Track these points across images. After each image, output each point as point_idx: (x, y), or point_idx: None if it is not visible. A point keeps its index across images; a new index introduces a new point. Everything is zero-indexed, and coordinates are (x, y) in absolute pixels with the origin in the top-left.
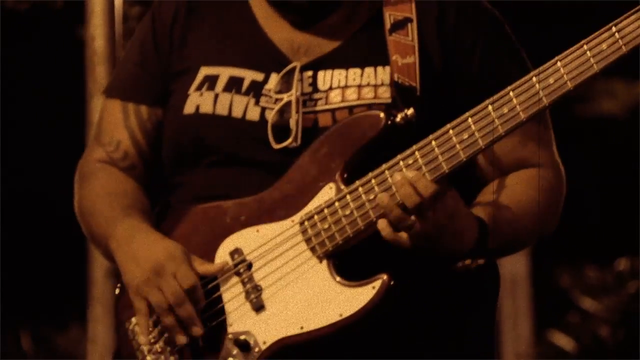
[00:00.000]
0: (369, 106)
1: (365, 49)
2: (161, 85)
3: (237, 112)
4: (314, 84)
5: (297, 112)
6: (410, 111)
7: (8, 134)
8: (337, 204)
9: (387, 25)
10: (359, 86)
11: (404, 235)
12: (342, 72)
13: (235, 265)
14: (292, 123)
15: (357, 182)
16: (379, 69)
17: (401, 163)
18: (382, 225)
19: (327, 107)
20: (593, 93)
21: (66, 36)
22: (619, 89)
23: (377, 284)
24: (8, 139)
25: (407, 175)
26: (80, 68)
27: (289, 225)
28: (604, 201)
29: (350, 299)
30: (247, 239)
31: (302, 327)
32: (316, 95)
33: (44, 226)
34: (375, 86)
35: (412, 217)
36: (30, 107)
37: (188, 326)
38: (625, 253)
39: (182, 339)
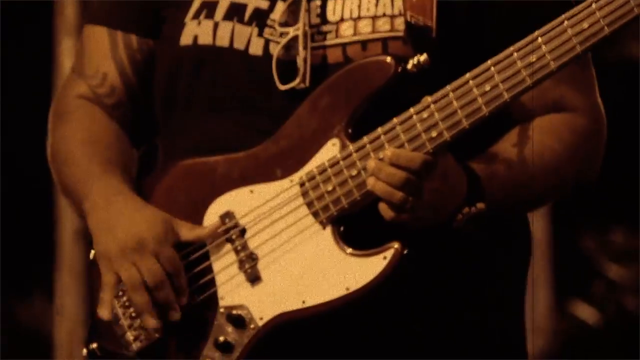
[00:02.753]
0: (384, 41)
1: None
2: (151, 12)
3: (239, 44)
4: (322, 14)
5: (305, 48)
6: (423, 57)
7: None
8: (342, 162)
9: None
10: (374, 17)
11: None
12: (355, 1)
13: (227, 231)
14: (300, 61)
15: (365, 138)
16: None
17: (414, 117)
18: (383, 208)
19: (337, 41)
20: (619, 35)
21: None
22: None
23: (389, 253)
24: None
25: (386, 154)
26: (48, 7)
27: (287, 186)
28: (634, 157)
29: (358, 271)
30: (240, 201)
31: (304, 302)
32: (325, 28)
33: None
34: (392, 17)
35: (410, 198)
36: None
37: (165, 311)
38: None
39: (151, 323)
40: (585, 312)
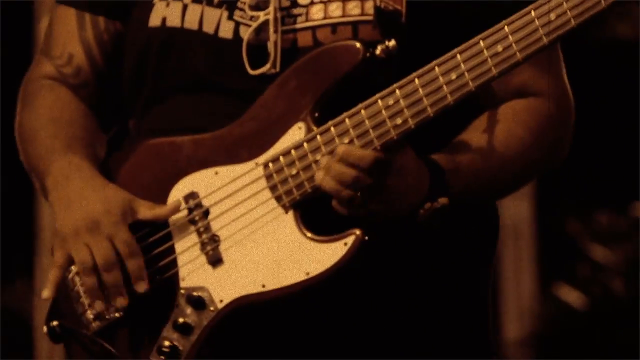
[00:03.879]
0: (355, 24)
1: None
2: None
3: (208, 27)
4: None
5: (276, 32)
6: (392, 43)
7: None
8: (306, 146)
9: None
10: (344, 0)
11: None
12: None
13: (190, 211)
14: (270, 45)
15: (330, 123)
16: None
17: (380, 103)
18: (334, 203)
19: (307, 24)
20: (606, 16)
21: None
22: (634, 11)
23: (350, 239)
24: None
25: (337, 151)
26: None
27: (251, 168)
28: (617, 137)
29: (318, 256)
30: (204, 182)
31: (263, 285)
32: (295, 11)
33: None
34: (363, 0)
35: (359, 195)
36: None
37: (112, 294)
38: None
39: (99, 305)
40: (571, 295)
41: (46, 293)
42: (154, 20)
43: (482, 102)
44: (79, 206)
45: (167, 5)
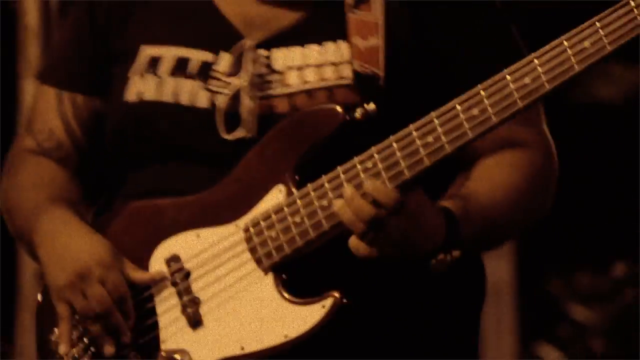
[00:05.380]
0: (330, 89)
1: (326, 23)
2: (98, 71)
3: (184, 99)
4: (268, 65)
5: (251, 99)
6: (371, 106)
7: None
8: (286, 209)
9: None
10: (319, 65)
11: (372, 249)
12: (299, 49)
13: (172, 274)
14: (244, 111)
15: (310, 186)
16: (341, 43)
17: (358, 166)
18: (354, 243)
19: (284, 90)
20: (590, 77)
21: None
22: (616, 74)
23: (328, 302)
24: None
25: (366, 185)
26: (10, 46)
27: (232, 231)
28: (599, 198)
29: (297, 319)
30: (186, 245)
31: (242, 348)
32: (271, 77)
33: None
34: (337, 64)
35: (373, 232)
36: None
37: (116, 336)
38: (622, 257)
39: (109, 349)
40: (552, 355)
41: (63, 348)
42: (130, 95)
43: (469, 152)
44: (69, 257)
45: (142, 79)
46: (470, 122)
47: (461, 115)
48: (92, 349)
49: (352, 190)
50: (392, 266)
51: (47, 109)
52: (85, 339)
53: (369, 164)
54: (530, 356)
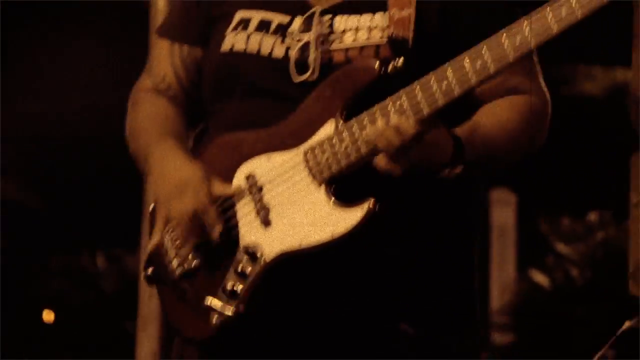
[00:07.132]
0: (377, 46)
1: None
2: (201, 28)
3: (265, 50)
4: (331, 26)
5: (316, 49)
6: (399, 61)
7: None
8: (335, 138)
9: None
10: (369, 28)
11: (397, 167)
12: (356, 16)
13: (249, 187)
14: (311, 59)
15: (353, 120)
16: (384, 14)
17: (390, 105)
18: (382, 162)
19: (341, 46)
20: (575, 76)
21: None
22: (597, 74)
23: (365, 207)
24: None
25: (393, 119)
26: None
27: (294, 154)
28: (581, 165)
29: (341, 219)
30: (260, 165)
31: (300, 244)
32: (332, 37)
33: None
34: (380, 29)
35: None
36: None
37: (211, 227)
38: (595, 207)
39: (184, 252)
40: (540, 278)
41: (149, 245)
42: (225, 47)
43: (481, 99)
44: (172, 175)
45: (236, 35)
46: (474, 71)
47: (467, 66)
48: (179, 248)
49: (383, 122)
50: (409, 182)
51: (161, 57)
52: (176, 242)
53: (397, 104)
54: (525, 278)
